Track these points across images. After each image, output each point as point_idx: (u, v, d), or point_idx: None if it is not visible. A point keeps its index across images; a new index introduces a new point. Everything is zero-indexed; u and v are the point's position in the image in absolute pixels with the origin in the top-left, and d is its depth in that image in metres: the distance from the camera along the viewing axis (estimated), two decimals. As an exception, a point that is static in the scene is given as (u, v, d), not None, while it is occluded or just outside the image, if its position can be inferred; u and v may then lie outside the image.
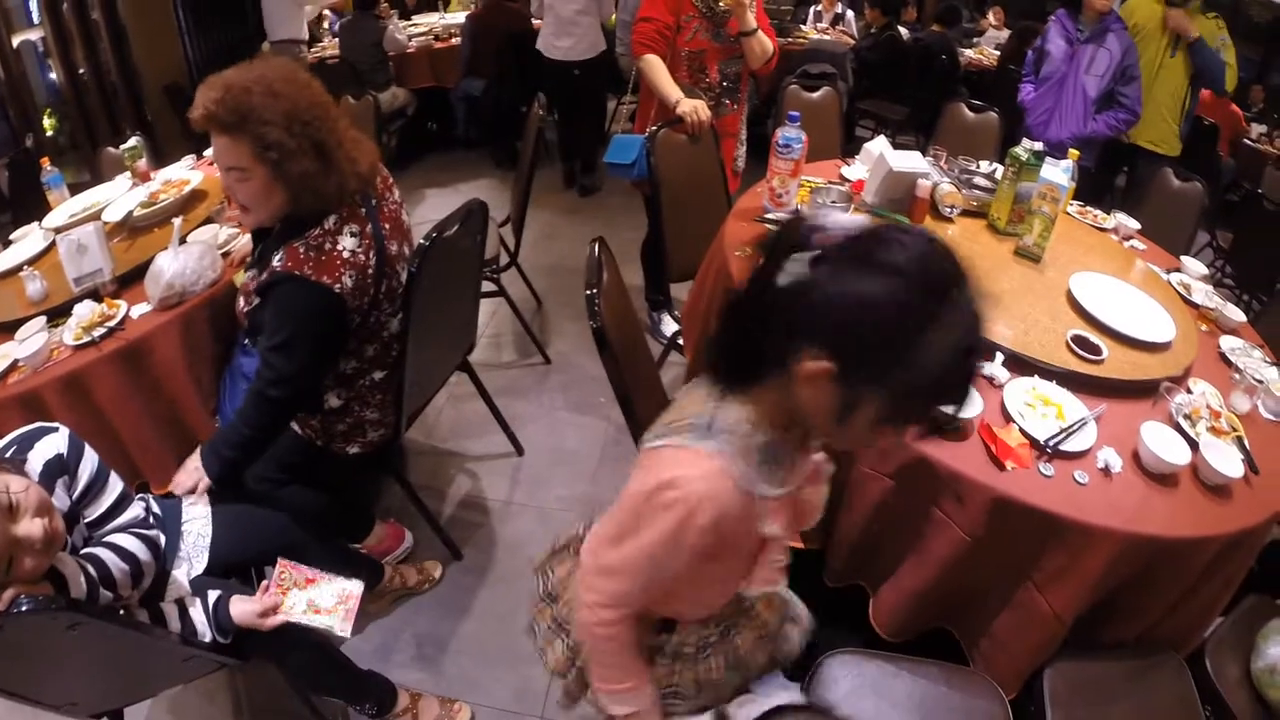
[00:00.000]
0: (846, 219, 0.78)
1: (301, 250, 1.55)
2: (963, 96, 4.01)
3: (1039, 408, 1.50)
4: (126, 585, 1.31)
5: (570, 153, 5.05)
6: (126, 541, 1.33)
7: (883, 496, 1.44)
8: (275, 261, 1.56)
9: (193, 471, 1.64)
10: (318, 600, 1.45)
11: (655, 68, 2.57)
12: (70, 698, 1.44)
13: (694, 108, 2.48)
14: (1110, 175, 3.99)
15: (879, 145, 2.27)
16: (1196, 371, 1.73)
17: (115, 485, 1.38)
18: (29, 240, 2.47)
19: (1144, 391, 1.61)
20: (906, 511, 1.43)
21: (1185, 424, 1.53)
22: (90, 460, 1.33)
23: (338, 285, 1.56)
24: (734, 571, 0.97)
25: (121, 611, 1.34)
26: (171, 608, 1.40)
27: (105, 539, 1.33)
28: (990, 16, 7.14)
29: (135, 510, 1.40)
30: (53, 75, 5.73)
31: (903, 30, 5.24)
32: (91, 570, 1.25)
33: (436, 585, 2.15)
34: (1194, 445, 1.46)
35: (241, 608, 1.39)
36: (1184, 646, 1.51)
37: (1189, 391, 1.64)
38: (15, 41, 5.43)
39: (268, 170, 1.49)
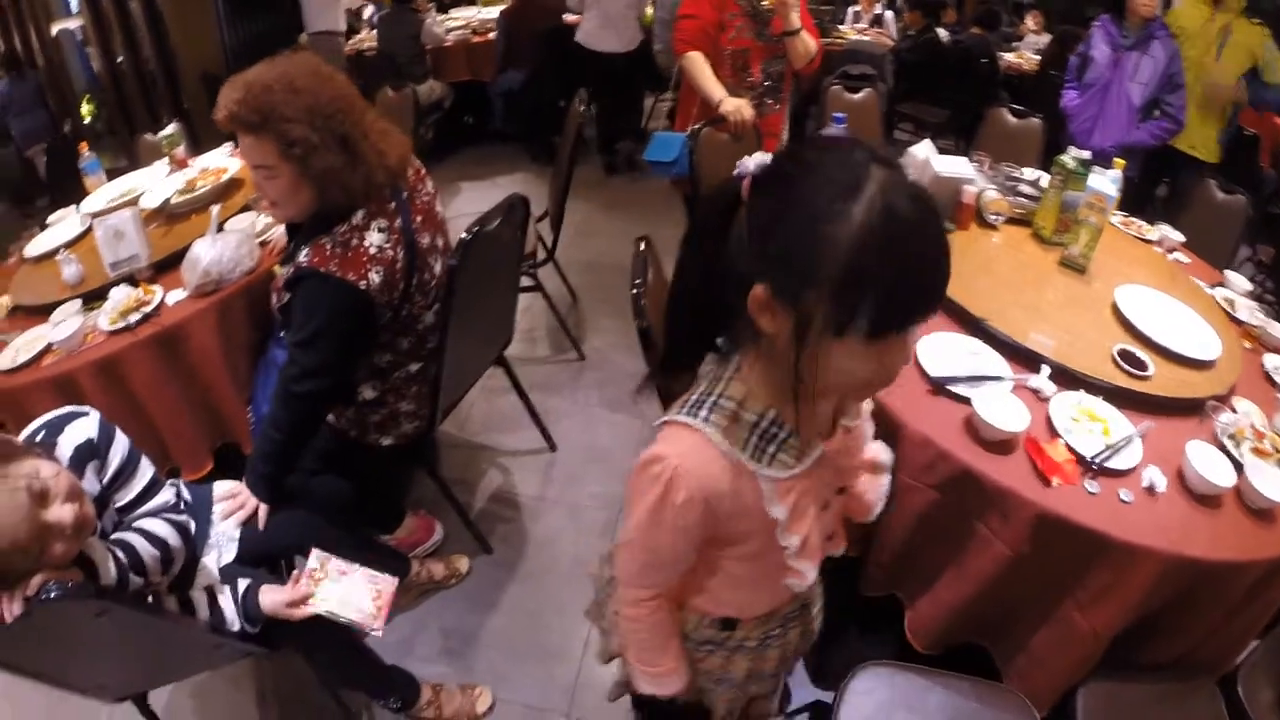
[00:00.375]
0: (763, 157, 0.77)
1: (328, 246, 1.54)
2: (1003, 101, 3.96)
3: (1085, 423, 1.46)
4: (156, 571, 1.32)
5: (610, 145, 5.14)
6: (157, 527, 1.34)
7: (925, 508, 1.41)
8: (301, 257, 1.56)
9: (240, 498, 1.60)
10: (350, 594, 1.43)
11: (698, 65, 2.55)
12: (97, 681, 1.46)
13: (737, 107, 2.47)
14: (1152, 185, 3.92)
15: (924, 150, 2.23)
16: (1240, 390, 1.68)
17: (146, 470, 1.38)
18: (66, 224, 2.51)
19: (1189, 409, 1.58)
20: (949, 525, 1.40)
21: (1230, 444, 1.49)
22: (121, 444, 1.33)
23: (364, 282, 1.55)
24: (760, 559, 0.94)
25: (150, 598, 1.35)
26: (201, 595, 1.41)
27: (135, 524, 1.34)
28: (1029, 21, 7.02)
29: (166, 495, 1.40)
30: (92, 63, 5.81)
31: (942, 32, 5.17)
32: (121, 556, 1.25)
33: (464, 579, 2.15)
34: (1239, 467, 1.42)
35: (271, 598, 1.39)
36: (1219, 669, 1.48)
37: (1233, 410, 1.60)
38: (54, 30, 5.52)
39: (294, 167, 1.49)
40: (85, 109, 5.96)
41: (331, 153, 1.49)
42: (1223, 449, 1.47)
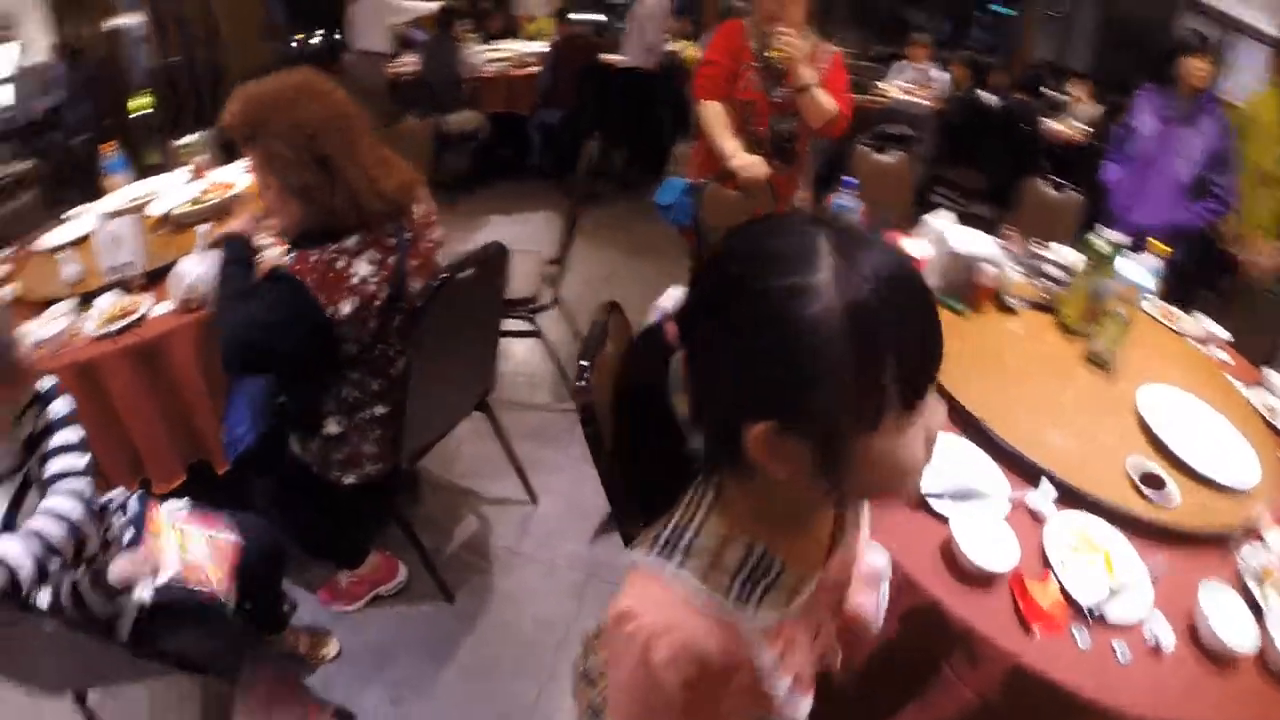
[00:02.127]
0: (677, 293, 0.68)
1: (314, 258, 1.53)
2: (1043, 170, 3.79)
3: (1084, 553, 1.29)
4: (68, 547, 1.33)
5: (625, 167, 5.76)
6: (57, 503, 1.34)
7: (884, 637, 1.23)
8: (287, 258, 1.56)
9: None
10: (189, 546, 1.42)
11: (714, 115, 2.45)
12: (28, 679, 1.47)
13: (750, 163, 2.34)
14: (1204, 276, 3.62)
15: (941, 221, 2.09)
16: (1275, 514, 1.45)
17: (77, 430, 1.43)
18: (81, 221, 2.55)
19: (1212, 542, 1.38)
20: (910, 660, 1.24)
21: (1253, 585, 1.29)
22: (64, 402, 1.44)
23: (331, 308, 1.52)
24: (758, 704, 0.80)
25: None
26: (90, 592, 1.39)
27: (40, 509, 1.34)
28: (1077, 89, 6.74)
29: (79, 459, 1.41)
30: (147, 62, 5.95)
31: (987, 95, 5.00)
32: (35, 546, 1.26)
33: (335, 660, 1.99)
34: (1259, 614, 1.23)
35: (118, 563, 1.38)
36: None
37: (1261, 539, 1.39)
38: (114, 24, 5.67)
39: (277, 180, 1.52)
40: (143, 101, 6.07)
41: (307, 171, 1.49)
42: (1244, 591, 1.28)
